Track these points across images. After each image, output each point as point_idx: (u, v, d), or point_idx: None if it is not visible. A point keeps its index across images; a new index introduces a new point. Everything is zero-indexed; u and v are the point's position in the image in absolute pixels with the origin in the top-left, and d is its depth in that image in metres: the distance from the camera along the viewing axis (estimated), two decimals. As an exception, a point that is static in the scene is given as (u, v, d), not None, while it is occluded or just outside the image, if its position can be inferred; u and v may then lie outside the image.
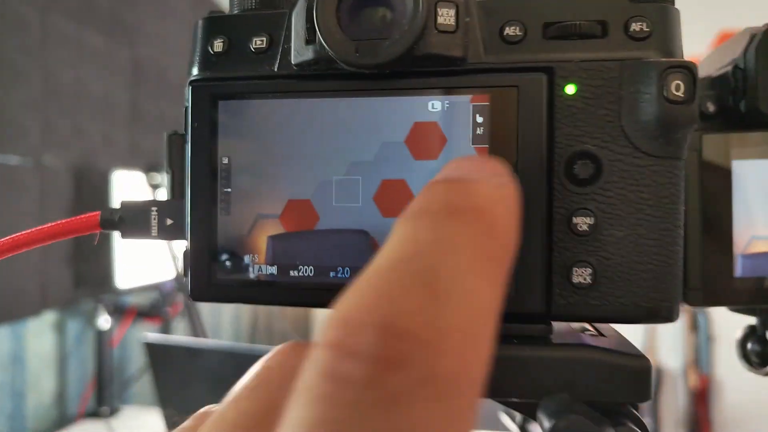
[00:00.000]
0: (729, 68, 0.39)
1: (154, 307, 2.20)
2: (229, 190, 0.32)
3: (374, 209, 0.31)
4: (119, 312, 2.11)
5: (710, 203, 0.39)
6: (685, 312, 2.39)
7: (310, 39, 0.30)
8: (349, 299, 0.17)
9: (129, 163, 2.17)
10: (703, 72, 0.43)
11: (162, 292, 2.20)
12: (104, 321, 2.02)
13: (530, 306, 0.29)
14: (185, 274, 0.33)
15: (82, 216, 0.35)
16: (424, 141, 0.30)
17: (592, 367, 0.29)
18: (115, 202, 0.84)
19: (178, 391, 1.39)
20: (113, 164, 2.07)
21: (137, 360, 2.33)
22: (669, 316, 0.29)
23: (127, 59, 2.25)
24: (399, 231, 0.19)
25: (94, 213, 0.35)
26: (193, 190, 0.32)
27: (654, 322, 0.29)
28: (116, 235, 0.35)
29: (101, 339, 2.02)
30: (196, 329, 2.16)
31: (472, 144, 0.30)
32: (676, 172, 0.29)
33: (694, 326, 2.41)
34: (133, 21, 2.29)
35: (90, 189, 1.97)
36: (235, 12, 0.34)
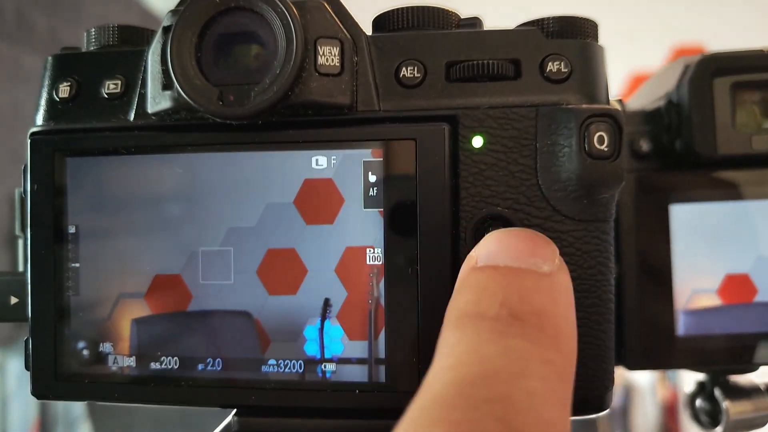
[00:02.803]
0: (662, 102, 0.36)
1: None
2: (78, 264, 0.27)
3: (258, 285, 0.26)
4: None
5: (648, 253, 0.35)
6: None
7: (167, 84, 0.25)
8: None
9: None
10: (637, 104, 0.39)
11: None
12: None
13: None
14: (26, 366, 0.27)
15: None
16: (316, 202, 0.25)
17: None
18: None
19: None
20: None
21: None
22: (600, 406, 0.25)
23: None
24: (455, 339, 0.17)
25: None
26: (34, 264, 0.27)
27: (583, 414, 0.25)
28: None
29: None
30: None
31: (365, 207, 0.25)
32: (603, 236, 0.25)
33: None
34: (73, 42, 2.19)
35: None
36: (92, 49, 0.29)
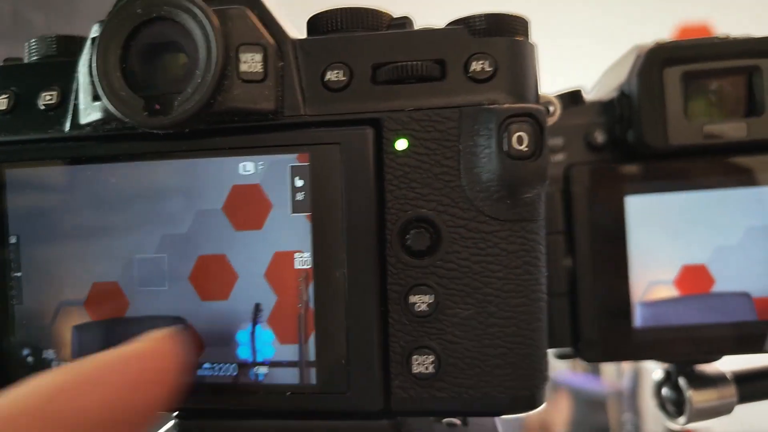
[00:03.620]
0: (616, 93, 0.35)
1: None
2: (20, 274, 0.27)
3: (191, 291, 0.26)
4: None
5: (604, 246, 0.35)
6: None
7: (95, 95, 0.25)
8: None
9: None
10: (597, 93, 0.39)
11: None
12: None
13: (366, 402, 0.25)
14: None
15: None
16: (244, 208, 0.26)
17: None
18: None
19: None
20: None
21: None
22: (530, 405, 0.25)
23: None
24: None
25: None
26: None
27: (513, 413, 0.25)
28: None
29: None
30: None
31: (293, 212, 0.25)
32: (529, 236, 0.25)
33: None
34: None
35: None
36: (34, 59, 0.29)
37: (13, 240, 0.27)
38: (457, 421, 0.28)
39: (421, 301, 0.25)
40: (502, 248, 0.25)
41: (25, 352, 0.27)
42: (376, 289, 0.25)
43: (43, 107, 0.27)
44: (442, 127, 0.25)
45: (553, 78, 0.41)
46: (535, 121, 0.24)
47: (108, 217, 0.27)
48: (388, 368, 0.25)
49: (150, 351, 0.21)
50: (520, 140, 0.24)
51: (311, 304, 0.25)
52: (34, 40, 0.29)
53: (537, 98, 0.26)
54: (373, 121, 0.25)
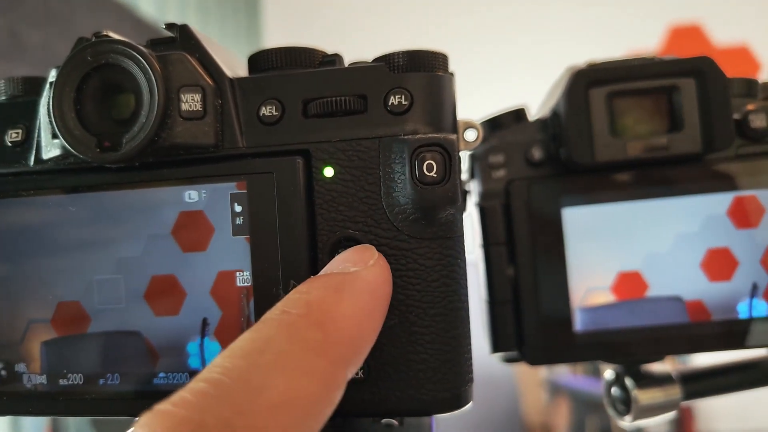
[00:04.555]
0: (549, 113, 0.38)
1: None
2: None
3: (145, 308, 0.29)
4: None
5: (543, 256, 0.38)
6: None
7: (54, 133, 0.28)
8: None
9: None
10: (540, 111, 0.42)
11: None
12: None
13: None
14: None
15: None
16: (190, 232, 0.28)
17: None
18: None
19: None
20: None
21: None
22: (455, 405, 0.28)
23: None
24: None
25: None
26: None
27: (438, 413, 0.28)
28: None
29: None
30: None
31: (233, 235, 0.28)
32: (446, 251, 0.27)
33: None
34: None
35: None
36: (2, 99, 0.32)
37: None
38: (394, 421, 0.31)
39: None
40: (420, 264, 0.27)
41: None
42: None
43: (10, 144, 0.30)
44: (364, 156, 0.27)
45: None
46: (443, 150, 0.26)
47: (69, 242, 0.30)
48: None
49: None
50: (430, 167, 0.26)
51: (252, 318, 0.28)
52: (1, 81, 0.32)
53: (454, 126, 0.29)
54: (303, 151, 0.28)
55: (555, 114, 0.37)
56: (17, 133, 0.30)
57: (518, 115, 0.41)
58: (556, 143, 0.37)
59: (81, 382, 0.29)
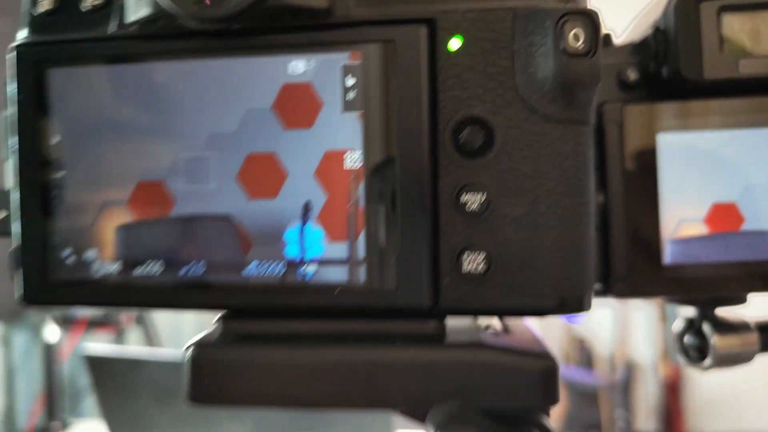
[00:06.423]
0: (650, 31, 0.36)
1: (107, 316, 2.11)
2: (63, 174, 0.27)
3: (238, 190, 0.26)
4: (69, 323, 2.02)
5: (635, 183, 0.35)
6: (655, 304, 2.39)
7: None
8: None
9: None
10: (627, 36, 0.39)
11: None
12: (52, 333, 1.93)
13: (415, 300, 0.25)
14: (11, 276, 0.28)
15: None
16: (294, 106, 0.26)
17: (487, 369, 0.25)
18: None
19: (122, 405, 1.32)
20: None
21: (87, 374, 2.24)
22: (578, 307, 0.25)
23: None
24: None
25: None
26: (22, 175, 0.27)
27: (560, 313, 0.25)
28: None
29: (50, 352, 1.93)
30: (150, 338, 2.09)
31: (344, 111, 0.25)
32: (581, 139, 0.25)
33: (664, 318, 2.41)
34: None
35: None
36: None
37: (56, 140, 0.27)
38: (499, 326, 0.28)
39: (472, 201, 0.25)
40: (554, 149, 0.25)
41: (66, 252, 0.27)
42: (427, 188, 0.25)
43: (88, 8, 0.27)
44: (496, 28, 0.25)
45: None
46: (590, 20, 0.24)
47: (154, 117, 0.27)
48: (437, 267, 0.25)
49: None
50: (576, 38, 0.24)
51: (361, 203, 0.25)
52: None
53: (586, 3, 0.26)
54: (427, 20, 0.25)
55: (658, 30, 0.35)
56: None
57: (605, 39, 0.39)
58: (658, 62, 0.35)
59: (159, 271, 0.26)
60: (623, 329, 2.37)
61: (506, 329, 0.28)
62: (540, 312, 0.25)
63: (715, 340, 0.39)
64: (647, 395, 2.34)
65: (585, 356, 2.19)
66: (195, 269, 0.26)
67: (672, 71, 0.34)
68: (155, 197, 0.27)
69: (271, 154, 0.26)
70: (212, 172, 0.26)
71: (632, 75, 0.36)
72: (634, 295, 0.37)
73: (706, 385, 2.33)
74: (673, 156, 0.35)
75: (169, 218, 0.27)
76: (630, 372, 2.26)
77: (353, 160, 0.25)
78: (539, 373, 0.25)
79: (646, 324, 2.39)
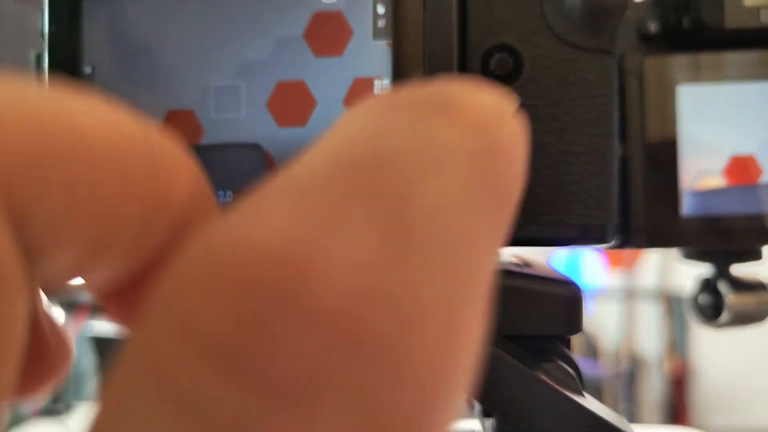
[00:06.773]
0: (673, -19, 0.36)
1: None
2: None
3: (268, 117, 0.26)
4: (73, 307, 2.03)
5: (654, 134, 0.36)
6: (661, 298, 2.39)
7: None
8: (253, 217, 0.09)
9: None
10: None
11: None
12: (57, 316, 1.93)
13: None
14: None
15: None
16: (325, 34, 0.26)
17: (512, 295, 0.25)
18: None
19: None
20: None
21: (93, 355, 2.25)
22: (602, 237, 0.26)
23: None
24: (352, 117, 0.11)
25: None
26: None
27: (585, 244, 0.26)
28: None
29: (54, 335, 1.94)
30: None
31: (374, 38, 0.26)
32: (607, 69, 0.25)
33: (670, 312, 2.41)
34: None
35: None
36: None
37: (88, 70, 0.28)
38: (521, 261, 0.29)
39: None
40: (580, 77, 0.25)
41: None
42: None
43: None
44: None
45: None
46: None
47: (184, 45, 0.27)
48: None
49: None
50: (605, -37, 0.24)
51: None
52: None
53: None
54: None
55: None
56: None
57: (627, -6, 0.39)
58: (679, 12, 0.35)
59: None
60: (629, 323, 2.38)
61: (527, 263, 0.29)
62: (563, 242, 0.26)
63: (730, 298, 0.39)
64: (652, 389, 2.34)
65: (590, 349, 2.20)
66: (224, 197, 0.27)
67: (693, 21, 0.34)
68: (185, 126, 0.27)
69: (300, 81, 0.26)
70: (242, 101, 0.27)
71: (652, 27, 0.36)
72: (651, 245, 0.37)
73: (711, 379, 2.33)
74: (693, 108, 0.36)
75: (200, 146, 0.27)
76: (635, 365, 2.26)
77: (382, 87, 0.26)
78: (564, 299, 0.25)
79: (652, 318, 2.40)
